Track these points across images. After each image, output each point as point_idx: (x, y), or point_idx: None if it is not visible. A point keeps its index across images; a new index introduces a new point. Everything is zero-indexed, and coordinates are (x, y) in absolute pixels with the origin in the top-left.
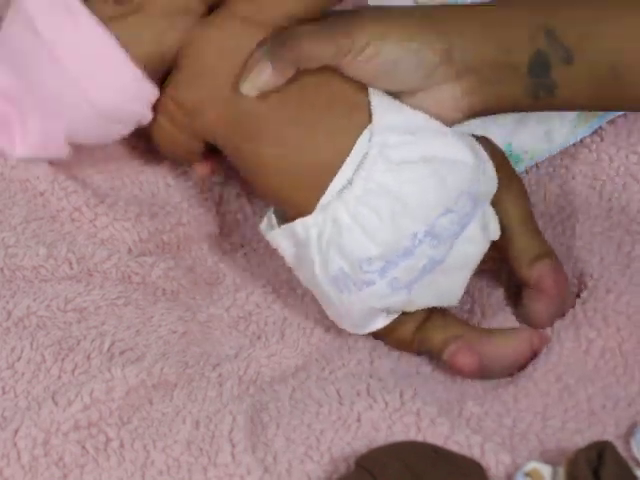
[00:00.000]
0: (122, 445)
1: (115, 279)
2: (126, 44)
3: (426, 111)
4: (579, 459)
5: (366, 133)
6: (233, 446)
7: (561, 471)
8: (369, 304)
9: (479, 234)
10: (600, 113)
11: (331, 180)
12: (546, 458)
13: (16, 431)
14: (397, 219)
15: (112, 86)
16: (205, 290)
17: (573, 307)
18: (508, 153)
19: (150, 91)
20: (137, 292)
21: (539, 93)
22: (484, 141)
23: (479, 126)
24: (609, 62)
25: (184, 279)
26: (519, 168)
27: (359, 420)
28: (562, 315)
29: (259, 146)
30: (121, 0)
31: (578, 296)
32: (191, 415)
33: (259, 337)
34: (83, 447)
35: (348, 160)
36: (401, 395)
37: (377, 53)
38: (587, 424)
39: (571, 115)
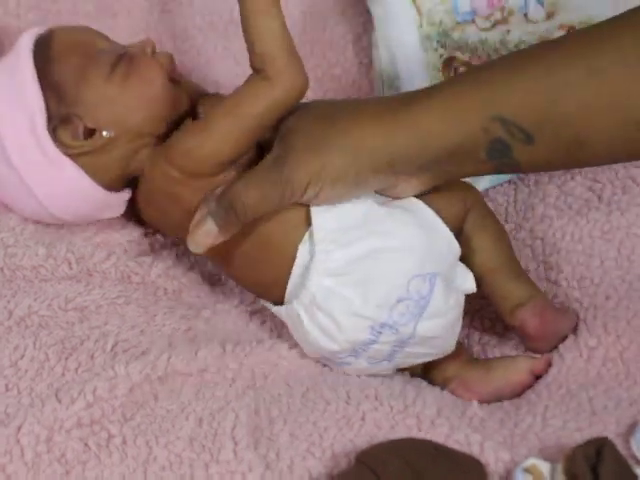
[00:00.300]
0: (124, 441)
1: (114, 279)
2: (94, 173)
3: (385, 195)
4: (577, 455)
5: (306, 239)
6: (235, 443)
7: (559, 467)
8: (359, 373)
9: (443, 306)
10: None
11: (286, 286)
12: (546, 455)
13: (19, 428)
14: (350, 319)
15: (80, 209)
16: (208, 289)
17: (577, 324)
18: None
19: (120, 197)
20: (138, 292)
21: (503, 169)
22: (447, 191)
23: None
24: (571, 134)
25: (185, 278)
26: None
27: (363, 419)
28: (562, 340)
29: (220, 265)
30: (90, 134)
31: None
32: (195, 413)
33: (279, 335)
34: (85, 444)
35: (294, 269)
36: (405, 399)
37: (319, 192)
38: (588, 423)
39: None
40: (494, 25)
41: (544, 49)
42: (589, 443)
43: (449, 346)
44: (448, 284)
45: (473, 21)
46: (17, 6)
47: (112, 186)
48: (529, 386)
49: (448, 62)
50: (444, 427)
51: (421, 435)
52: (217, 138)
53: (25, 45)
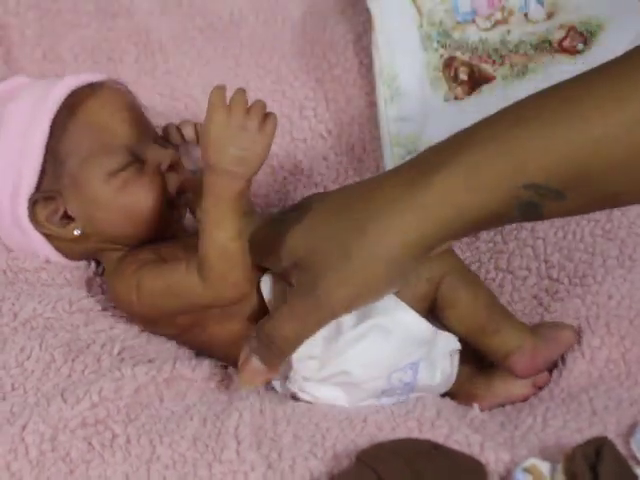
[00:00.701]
0: (128, 440)
1: None
2: (59, 249)
3: None
4: (576, 455)
5: None
6: (238, 443)
7: (559, 467)
8: None
9: (432, 382)
10: None
11: None
12: (546, 455)
13: (24, 426)
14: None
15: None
16: None
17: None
18: None
19: (74, 264)
20: None
21: (529, 221)
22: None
23: None
24: (604, 189)
25: None
26: None
27: (365, 421)
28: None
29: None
30: (65, 223)
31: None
32: (199, 413)
33: None
34: (89, 443)
35: None
36: (406, 405)
37: (367, 303)
38: (588, 423)
39: None
40: (494, 25)
41: (566, 103)
42: (589, 443)
43: (449, 387)
44: (431, 360)
45: (473, 21)
46: (17, 5)
47: (74, 260)
48: (532, 395)
49: (448, 62)
50: (444, 428)
51: (421, 436)
52: (145, 304)
53: (57, 97)
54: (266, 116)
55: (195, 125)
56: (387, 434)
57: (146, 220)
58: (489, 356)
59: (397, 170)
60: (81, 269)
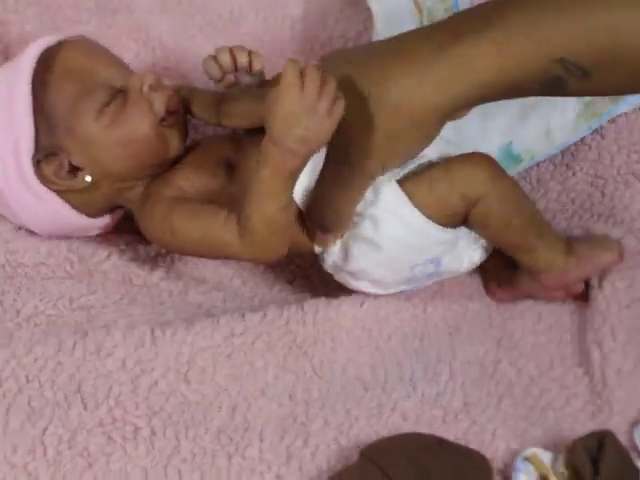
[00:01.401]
0: (153, 433)
1: (115, 280)
2: (78, 206)
3: None
4: (578, 447)
5: None
6: (261, 440)
7: (561, 458)
8: None
9: (459, 269)
10: (601, 112)
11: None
12: (550, 446)
13: (45, 429)
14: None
15: (64, 231)
16: (214, 287)
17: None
18: (508, 152)
19: (108, 218)
20: (141, 294)
21: (550, 95)
22: (446, 191)
23: (477, 126)
24: (630, 69)
25: (184, 278)
26: (518, 169)
27: (393, 409)
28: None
29: None
30: (73, 175)
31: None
32: (230, 398)
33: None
34: (109, 437)
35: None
36: (438, 383)
37: (399, 163)
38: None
39: (572, 114)
40: None
41: None
42: (591, 435)
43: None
44: (456, 253)
45: None
46: (16, 2)
47: (98, 215)
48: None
49: None
50: (465, 422)
51: (443, 428)
52: (178, 244)
53: (29, 59)
54: (335, 99)
55: (250, 53)
56: (411, 425)
57: (146, 146)
58: (521, 266)
59: (427, 33)
60: (83, 261)
